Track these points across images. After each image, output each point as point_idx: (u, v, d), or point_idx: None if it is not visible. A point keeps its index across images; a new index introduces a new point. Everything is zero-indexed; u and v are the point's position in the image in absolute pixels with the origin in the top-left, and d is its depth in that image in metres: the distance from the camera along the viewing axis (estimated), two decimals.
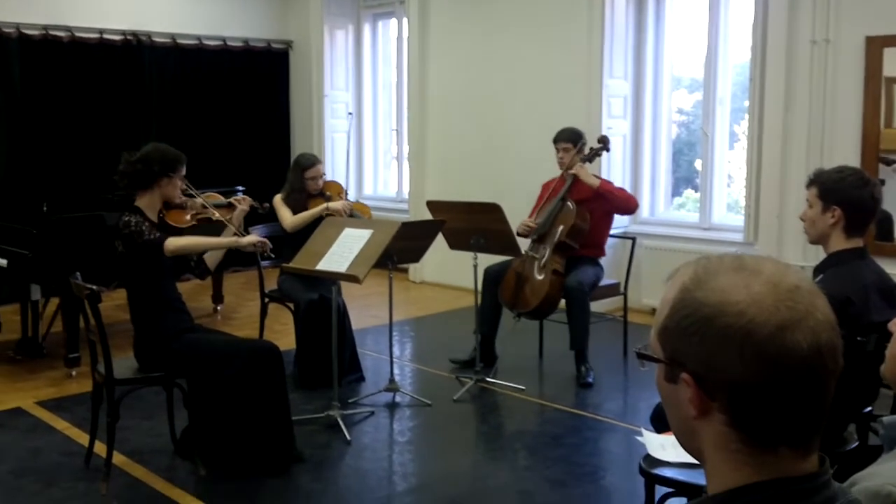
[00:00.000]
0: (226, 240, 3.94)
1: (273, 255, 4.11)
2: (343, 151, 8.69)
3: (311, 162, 5.13)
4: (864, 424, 2.79)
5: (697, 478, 2.42)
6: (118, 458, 3.76)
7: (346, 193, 5.31)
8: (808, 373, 0.90)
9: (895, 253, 5.03)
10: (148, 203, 3.74)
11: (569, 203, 4.95)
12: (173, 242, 3.66)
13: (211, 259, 4.00)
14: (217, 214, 4.02)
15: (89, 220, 5.25)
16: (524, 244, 5.02)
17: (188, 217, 3.91)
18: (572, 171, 4.97)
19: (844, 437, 2.82)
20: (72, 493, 3.55)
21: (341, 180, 5.47)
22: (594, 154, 5.14)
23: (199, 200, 3.98)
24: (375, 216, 5.81)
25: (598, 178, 5.10)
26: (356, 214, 5.08)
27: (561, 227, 4.91)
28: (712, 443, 0.96)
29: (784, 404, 0.91)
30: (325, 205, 4.98)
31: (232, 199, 4.16)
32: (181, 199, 3.88)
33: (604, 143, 5.16)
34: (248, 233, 5.21)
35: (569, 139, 5.08)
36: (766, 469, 0.93)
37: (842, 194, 2.73)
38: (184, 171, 3.83)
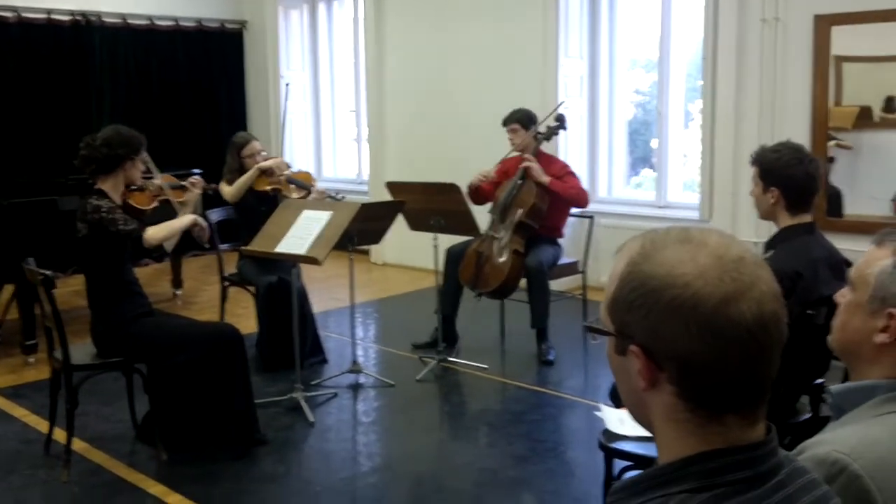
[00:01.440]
0: (187, 217, 3.91)
1: (208, 245, 4.13)
2: (300, 132, 8.65)
3: (245, 140, 5.08)
4: (816, 396, 2.87)
5: (654, 451, 2.47)
6: (78, 445, 3.73)
7: (289, 167, 5.26)
8: (753, 343, 0.93)
9: (845, 228, 5.14)
10: (112, 186, 3.69)
11: (528, 183, 4.97)
12: (151, 234, 3.67)
13: (168, 242, 3.97)
14: (174, 196, 4.01)
15: (42, 205, 5.16)
16: (483, 223, 5.05)
17: (149, 198, 3.89)
18: (523, 166, 4.98)
19: (797, 408, 2.90)
20: (32, 480, 3.52)
21: (288, 157, 5.42)
22: (551, 133, 5.15)
23: (157, 182, 3.96)
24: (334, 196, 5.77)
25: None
26: (296, 181, 5.06)
27: (520, 209, 4.94)
28: (661, 414, 0.98)
29: (730, 374, 0.93)
30: (256, 166, 4.94)
31: (185, 182, 4.13)
32: (141, 180, 3.85)
33: (560, 121, 5.15)
34: (203, 216, 5.20)
35: (517, 120, 5.11)
36: (714, 438, 0.96)
37: (777, 174, 2.79)
38: (145, 153, 3.80)
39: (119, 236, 3.59)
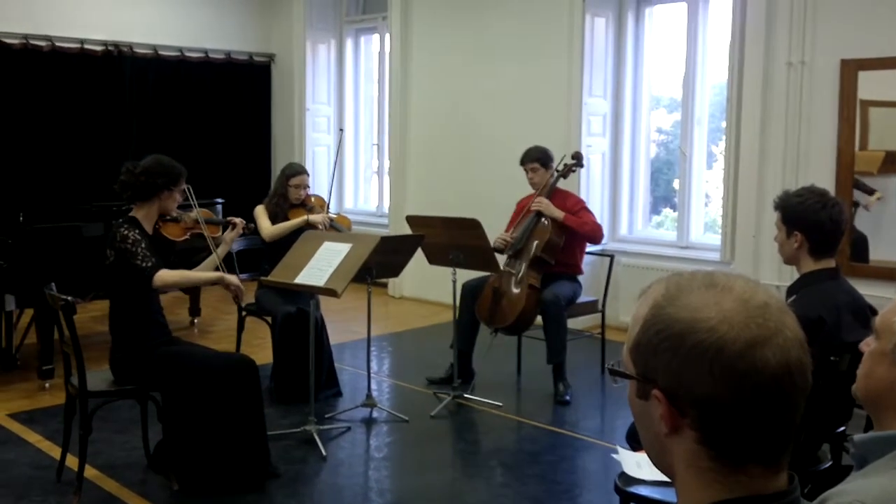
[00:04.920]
0: (213, 274, 3.94)
1: (242, 304, 4.27)
2: (324, 165, 8.72)
3: (296, 170, 5.18)
4: (838, 444, 2.81)
5: (671, 496, 2.42)
6: (90, 472, 3.71)
7: (328, 208, 5.32)
8: (777, 390, 0.91)
9: (870, 274, 5.08)
10: (145, 214, 3.75)
11: (543, 219, 4.98)
12: (162, 277, 3.65)
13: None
14: (209, 231, 4.03)
15: (66, 231, 5.21)
16: (501, 260, 5.03)
17: (182, 230, 3.92)
18: (535, 207, 4.99)
19: (818, 456, 2.84)
20: None
21: (324, 195, 5.49)
22: (568, 170, 5.17)
23: (193, 215, 3.98)
24: (355, 230, 5.81)
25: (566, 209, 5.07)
26: (336, 226, 5.09)
27: (536, 242, 4.94)
28: (683, 460, 0.96)
29: (753, 421, 0.91)
30: (305, 217, 5.00)
31: (227, 220, 4.18)
32: (176, 212, 3.89)
33: (577, 158, 5.19)
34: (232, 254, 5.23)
35: (535, 159, 5.11)
36: (736, 487, 0.93)
37: (801, 220, 2.76)
38: (183, 185, 3.84)
39: (135, 273, 3.61)
